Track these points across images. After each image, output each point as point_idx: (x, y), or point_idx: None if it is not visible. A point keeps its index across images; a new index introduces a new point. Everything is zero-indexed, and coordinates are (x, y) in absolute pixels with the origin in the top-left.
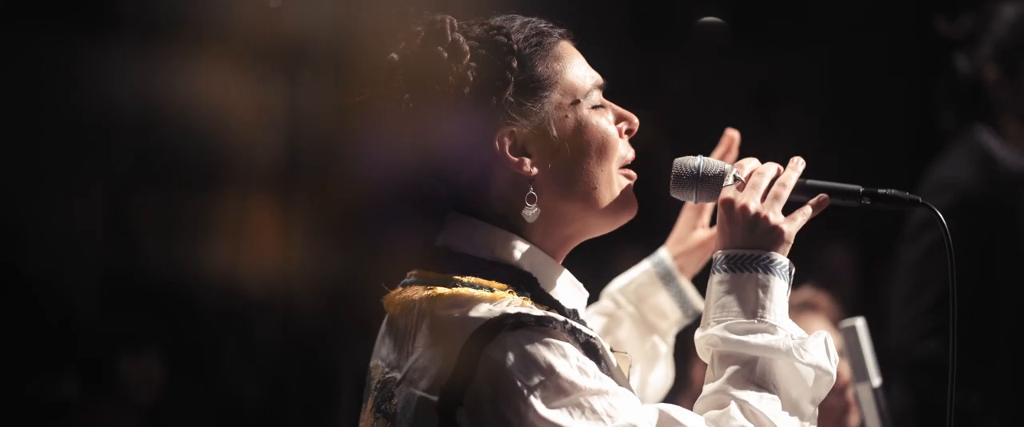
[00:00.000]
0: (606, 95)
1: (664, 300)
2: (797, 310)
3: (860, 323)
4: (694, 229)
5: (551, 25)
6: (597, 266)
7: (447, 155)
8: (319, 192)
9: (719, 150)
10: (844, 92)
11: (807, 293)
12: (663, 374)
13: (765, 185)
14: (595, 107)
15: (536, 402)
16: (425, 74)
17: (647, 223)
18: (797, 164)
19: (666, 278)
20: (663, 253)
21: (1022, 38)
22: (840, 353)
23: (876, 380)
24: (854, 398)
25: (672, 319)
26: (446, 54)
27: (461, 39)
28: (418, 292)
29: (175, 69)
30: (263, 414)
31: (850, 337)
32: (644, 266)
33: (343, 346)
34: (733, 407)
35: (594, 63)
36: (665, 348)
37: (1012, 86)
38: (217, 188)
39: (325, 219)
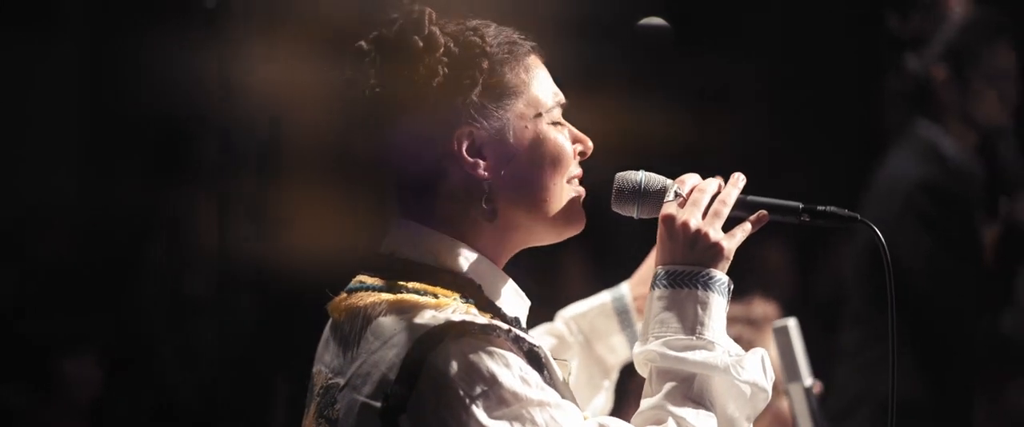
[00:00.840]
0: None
1: (617, 339)
2: (759, 325)
3: (792, 323)
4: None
5: (523, 37)
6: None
7: (404, 146)
8: (259, 191)
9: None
10: (790, 90)
11: (760, 308)
12: (602, 404)
13: (706, 201)
14: (555, 123)
15: (478, 412)
16: (397, 61)
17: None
18: (737, 180)
19: (622, 317)
20: (624, 289)
21: (971, 39)
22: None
23: (808, 380)
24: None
25: (621, 357)
26: (421, 44)
27: (437, 32)
28: (363, 299)
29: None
30: (199, 414)
31: (782, 337)
32: (604, 298)
33: (279, 347)
34: (671, 423)
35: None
36: (608, 383)
37: (959, 86)
38: (159, 187)
39: (265, 218)
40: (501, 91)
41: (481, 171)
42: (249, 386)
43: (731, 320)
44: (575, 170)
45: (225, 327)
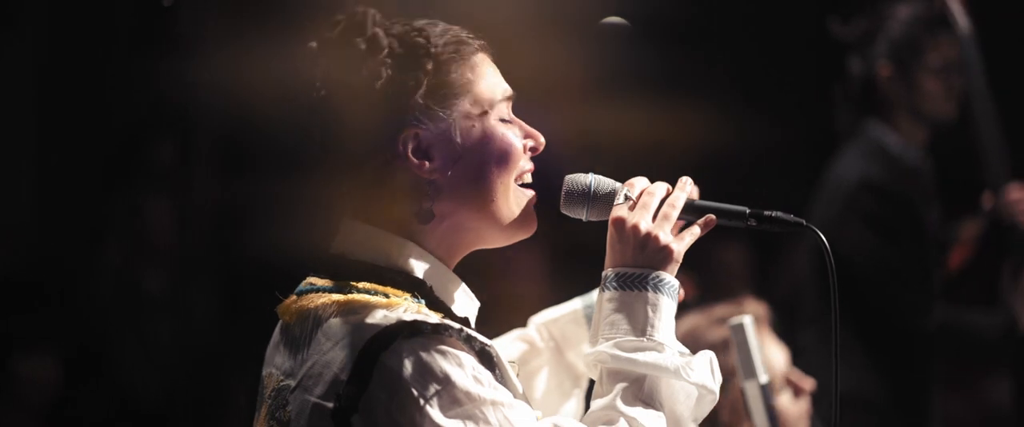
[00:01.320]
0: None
1: (587, 347)
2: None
3: (748, 320)
4: None
5: (471, 35)
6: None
7: (350, 149)
8: (214, 193)
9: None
10: (743, 92)
11: (751, 307)
12: (572, 410)
13: (655, 205)
14: (503, 120)
15: (431, 411)
16: (340, 64)
17: None
18: (686, 184)
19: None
20: (596, 296)
21: (914, 35)
22: (729, 350)
23: (763, 377)
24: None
25: (581, 355)
26: (364, 46)
27: (380, 34)
28: (313, 300)
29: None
30: (158, 413)
31: (738, 334)
32: (576, 305)
33: (238, 346)
34: (622, 423)
35: (506, 72)
36: (578, 390)
37: (904, 82)
38: (117, 186)
39: (221, 220)
40: (446, 91)
41: (428, 172)
42: (207, 384)
43: (721, 321)
44: (526, 165)
45: (183, 326)
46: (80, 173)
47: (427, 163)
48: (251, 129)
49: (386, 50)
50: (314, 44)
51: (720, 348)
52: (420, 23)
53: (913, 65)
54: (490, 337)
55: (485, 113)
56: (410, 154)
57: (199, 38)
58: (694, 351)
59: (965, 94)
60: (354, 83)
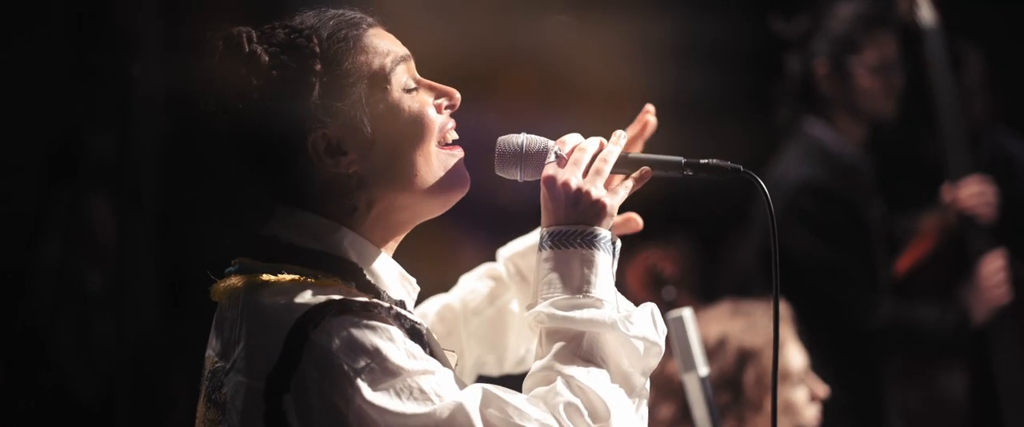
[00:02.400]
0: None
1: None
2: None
3: (687, 313)
4: None
5: (357, 13)
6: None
7: (267, 163)
8: (151, 190)
9: (635, 127)
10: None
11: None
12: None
13: (587, 161)
14: (409, 90)
15: (363, 385)
16: (228, 90)
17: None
18: (619, 138)
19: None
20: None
21: (852, 33)
22: (669, 344)
23: (703, 369)
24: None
25: None
26: (244, 70)
27: (259, 50)
28: (243, 280)
29: None
30: (99, 411)
31: (678, 327)
32: (537, 233)
33: (180, 344)
34: (559, 383)
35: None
36: None
37: (841, 79)
38: (56, 184)
39: (162, 214)
40: (342, 83)
41: (347, 167)
42: (148, 380)
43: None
44: (447, 124)
45: (124, 322)
46: (20, 169)
47: (342, 159)
48: (191, 125)
49: (269, 64)
50: (202, 67)
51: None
52: (303, 19)
53: (850, 63)
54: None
55: (386, 89)
56: (323, 155)
57: (140, 33)
58: (719, 357)
59: (930, 87)
60: (246, 106)
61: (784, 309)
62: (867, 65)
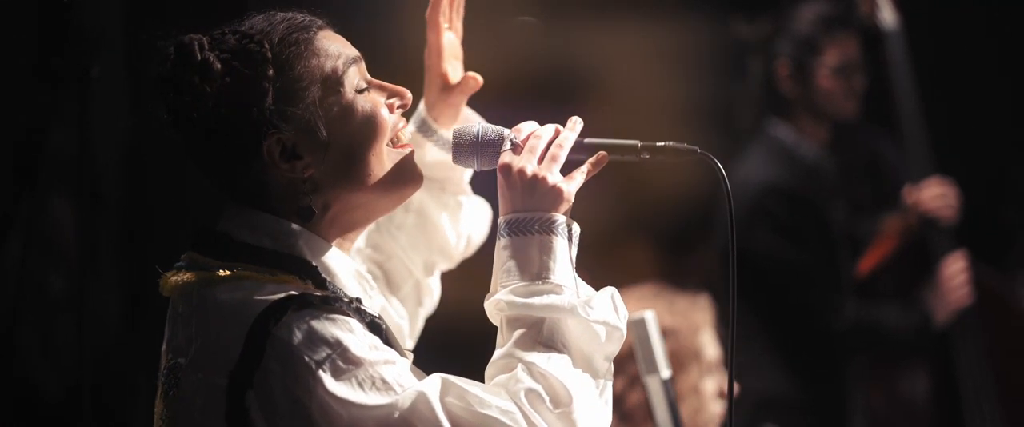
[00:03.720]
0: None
1: (435, 152)
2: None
3: (649, 315)
4: (437, 84)
5: (307, 17)
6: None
7: (223, 168)
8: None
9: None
10: (648, 89)
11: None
12: (483, 218)
13: (542, 147)
14: (361, 91)
15: (325, 377)
16: (180, 97)
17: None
18: (574, 124)
19: (425, 130)
20: (420, 109)
21: (813, 34)
22: (630, 346)
23: (665, 372)
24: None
25: (440, 160)
26: (198, 78)
27: (211, 58)
28: (196, 276)
29: None
30: (63, 414)
31: (639, 330)
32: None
33: (143, 345)
34: (520, 370)
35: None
36: (465, 197)
37: (803, 81)
38: (17, 184)
39: (124, 216)
40: (294, 87)
41: (302, 170)
42: (113, 384)
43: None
44: (397, 123)
45: (86, 325)
46: None
47: (297, 163)
48: (151, 124)
49: (221, 71)
50: (155, 75)
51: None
52: (253, 24)
53: (812, 64)
54: None
55: (338, 91)
56: (279, 160)
57: (102, 33)
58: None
59: (892, 89)
60: (200, 114)
61: (706, 301)
62: (829, 66)
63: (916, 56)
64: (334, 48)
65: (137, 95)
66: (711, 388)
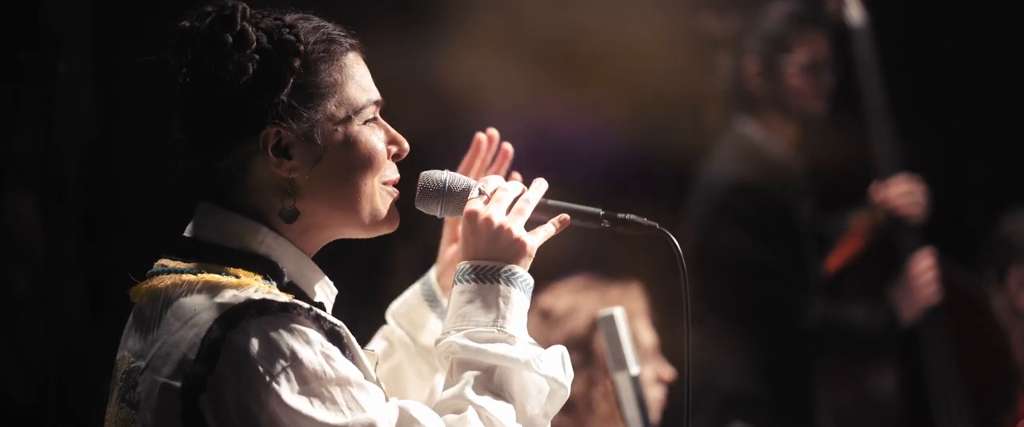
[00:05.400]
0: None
1: (433, 324)
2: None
3: (618, 312)
4: (450, 246)
5: (343, 33)
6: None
7: (211, 138)
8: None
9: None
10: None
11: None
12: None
13: (509, 200)
14: (367, 122)
15: (278, 389)
16: (206, 55)
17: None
18: (540, 184)
19: (432, 302)
20: (430, 274)
21: (782, 32)
22: (600, 341)
23: (634, 368)
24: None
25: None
26: (231, 40)
27: (249, 29)
28: (163, 281)
29: None
30: (28, 414)
31: (608, 326)
32: (415, 288)
33: (107, 346)
34: (470, 413)
35: (378, 73)
36: (440, 377)
37: (771, 78)
38: None
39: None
40: (312, 92)
41: (286, 170)
42: (79, 384)
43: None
44: (390, 173)
45: (52, 325)
46: None
47: (286, 162)
48: (118, 122)
49: (254, 46)
50: (186, 25)
51: (591, 328)
52: (292, 17)
53: (781, 62)
54: (363, 341)
55: (350, 117)
56: (270, 151)
57: (67, 30)
58: (570, 321)
59: (859, 87)
60: (219, 76)
61: (638, 290)
62: (797, 64)
63: (883, 54)
64: (362, 77)
65: (103, 94)
66: (648, 375)
